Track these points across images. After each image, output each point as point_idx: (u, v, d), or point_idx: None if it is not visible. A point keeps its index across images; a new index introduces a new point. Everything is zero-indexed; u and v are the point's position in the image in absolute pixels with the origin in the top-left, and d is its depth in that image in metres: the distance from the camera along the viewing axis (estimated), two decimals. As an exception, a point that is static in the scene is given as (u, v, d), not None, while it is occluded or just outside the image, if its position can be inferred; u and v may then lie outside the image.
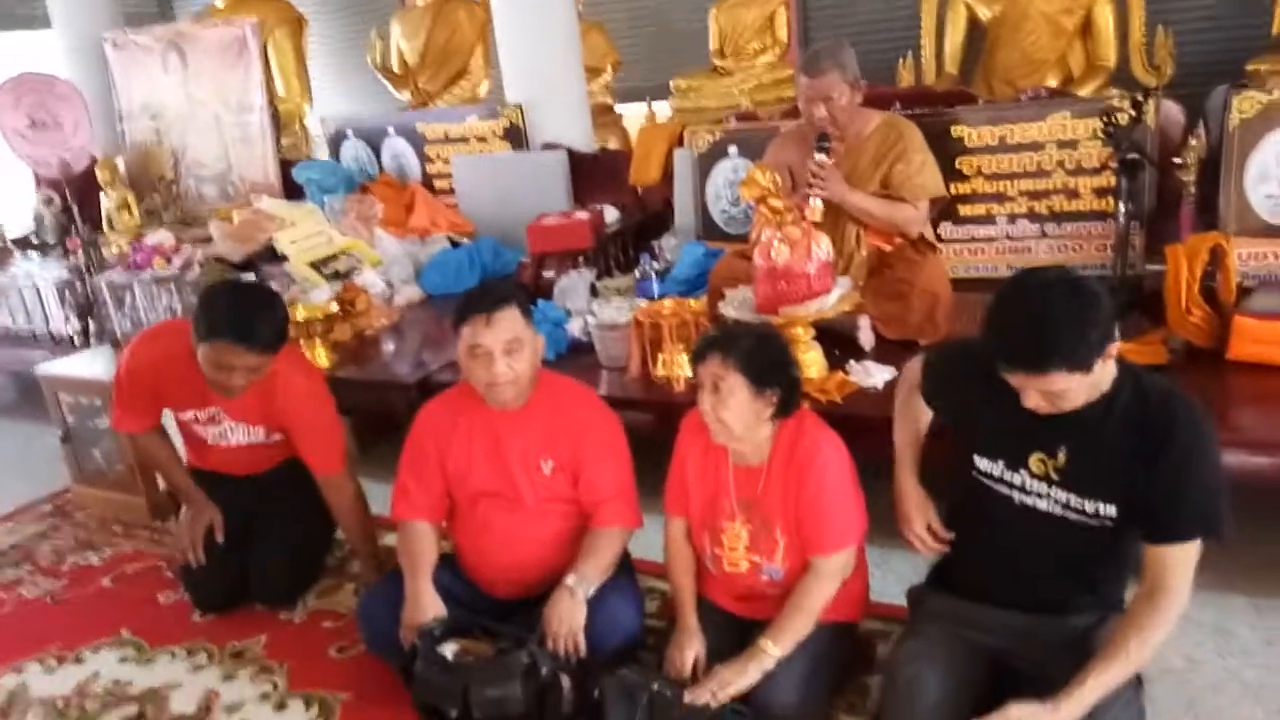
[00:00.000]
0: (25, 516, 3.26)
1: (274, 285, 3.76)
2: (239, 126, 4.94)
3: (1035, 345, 1.51)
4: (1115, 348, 1.54)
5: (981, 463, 1.75)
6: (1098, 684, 1.55)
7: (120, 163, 4.95)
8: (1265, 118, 2.73)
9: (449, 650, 1.96)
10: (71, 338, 3.78)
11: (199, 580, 2.50)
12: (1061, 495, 1.66)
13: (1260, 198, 2.77)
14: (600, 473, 2.10)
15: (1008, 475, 1.72)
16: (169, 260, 3.69)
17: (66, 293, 3.83)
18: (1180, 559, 1.57)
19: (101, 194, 4.72)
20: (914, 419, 1.97)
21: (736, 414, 1.83)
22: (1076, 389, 1.54)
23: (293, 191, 4.90)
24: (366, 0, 7.86)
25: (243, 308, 2.26)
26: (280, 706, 2.14)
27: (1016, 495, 1.71)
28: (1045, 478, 1.67)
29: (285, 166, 5.01)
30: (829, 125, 2.75)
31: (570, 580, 2.02)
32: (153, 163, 5.26)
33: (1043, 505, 1.69)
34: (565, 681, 1.94)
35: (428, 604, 2.04)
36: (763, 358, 1.84)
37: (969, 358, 1.75)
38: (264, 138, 4.88)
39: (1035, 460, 1.68)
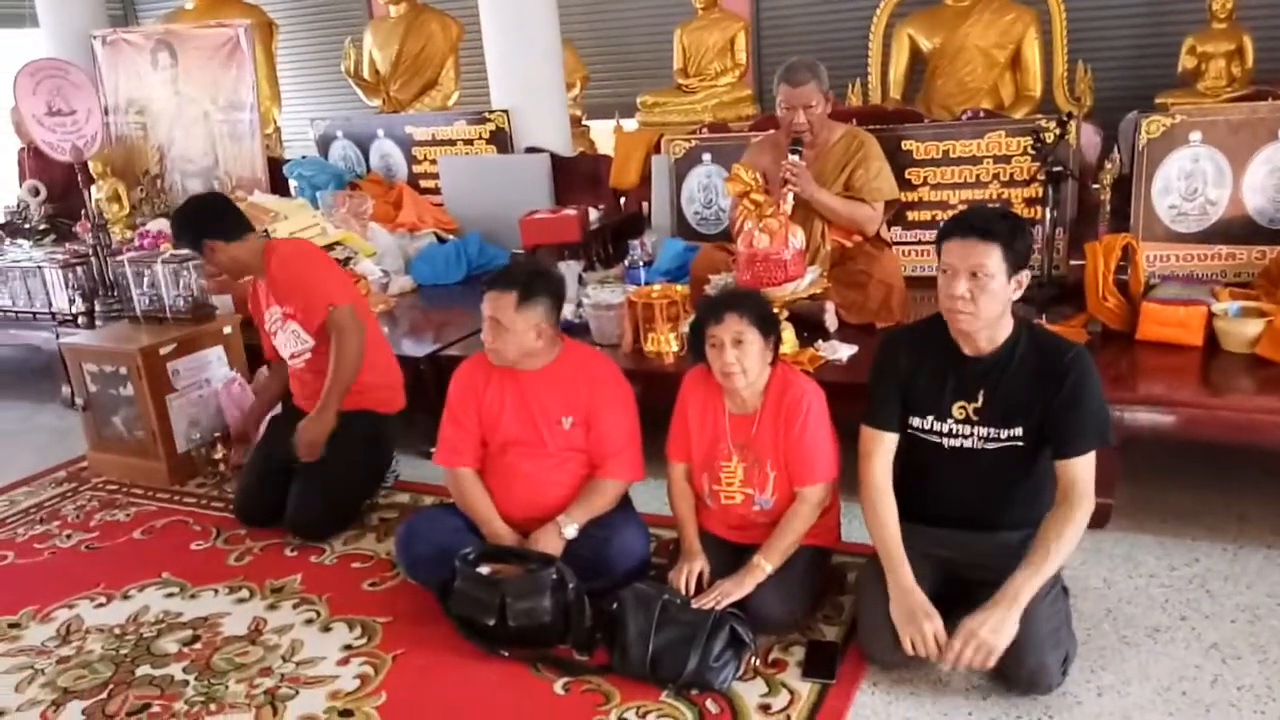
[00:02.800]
0: (41, 482, 3.44)
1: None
2: (228, 124, 5.14)
3: (981, 217, 1.99)
4: (1026, 276, 1.99)
5: (915, 420, 2.15)
6: (1032, 577, 1.92)
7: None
8: (1168, 138, 3.19)
9: (485, 570, 2.26)
10: (75, 317, 3.95)
11: (248, 491, 2.95)
12: (981, 431, 2.07)
13: (1164, 207, 3.23)
14: (610, 428, 2.41)
15: (936, 426, 2.11)
16: (175, 246, 3.90)
17: (70, 275, 4.00)
18: (1083, 468, 1.98)
19: (93, 185, 4.88)
20: (882, 517, 2.09)
21: (754, 360, 2.19)
22: (997, 288, 1.94)
23: (278, 188, 5.12)
24: (336, 9, 8.10)
25: (186, 219, 2.96)
26: (326, 629, 2.40)
27: (946, 441, 2.11)
28: (967, 420, 2.08)
29: (270, 164, 5.23)
30: (805, 130, 3.15)
31: (561, 519, 2.36)
32: (137, 157, 5.42)
33: (967, 444, 2.09)
34: (586, 598, 2.26)
35: (506, 534, 2.39)
36: (764, 311, 2.23)
37: (900, 345, 2.18)
38: (253, 135, 5.09)
39: (957, 408, 2.08)
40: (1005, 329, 2.04)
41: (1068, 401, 1.98)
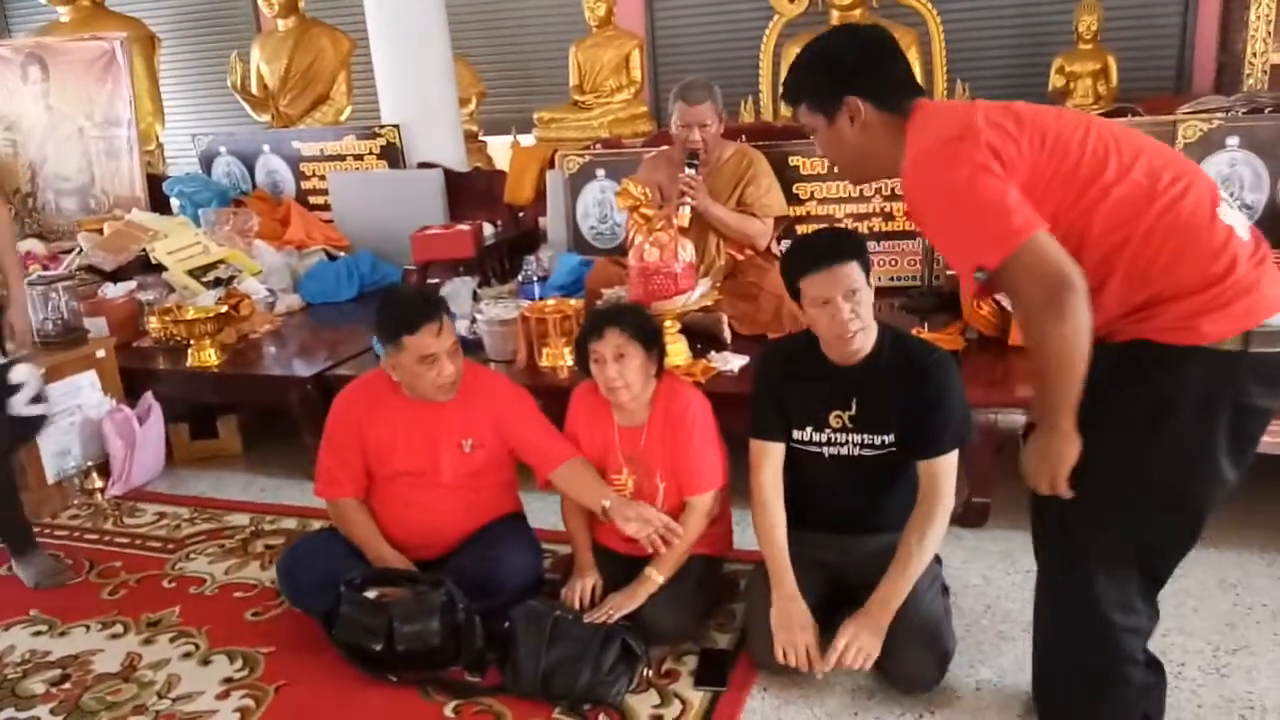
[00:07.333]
0: (-105, 519, 3.21)
1: (152, 294, 3.86)
2: (104, 140, 4.94)
3: (832, 244, 2.04)
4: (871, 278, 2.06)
5: (795, 434, 2.19)
6: (900, 580, 1.99)
7: (-28, 174, 4.86)
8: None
9: (371, 594, 2.21)
10: (-65, 345, 3.71)
11: None
12: (857, 438, 2.13)
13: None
14: (534, 434, 2.38)
15: (815, 436, 2.16)
16: (45, 267, 3.72)
17: (-72, 300, 3.76)
18: (945, 468, 2.05)
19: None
20: (770, 527, 2.14)
21: (636, 374, 2.20)
22: (868, 296, 2.01)
23: (158, 206, 4.94)
24: (222, 22, 7.87)
25: None
26: (205, 662, 2.30)
27: (826, 450, 2.16)
28: (844, 428, 2.14)
29: (151, 181, 5.04)
30: (700, 147, 3.20)
31: (606, 503, 2.25)
32: (7, 175, 5.16)
33: (844, 451, 2.15)
34: (477, 618, 2.22)
35: (393, 557, 2.34)
36: (646, 325, 2.24)
37: (775, 360, 2.24)
38: (131, 152, 4.90)
39: (834, 417, 2.14)
40: (871, 337, 2.10)
41: (930, 403, 2.05)
